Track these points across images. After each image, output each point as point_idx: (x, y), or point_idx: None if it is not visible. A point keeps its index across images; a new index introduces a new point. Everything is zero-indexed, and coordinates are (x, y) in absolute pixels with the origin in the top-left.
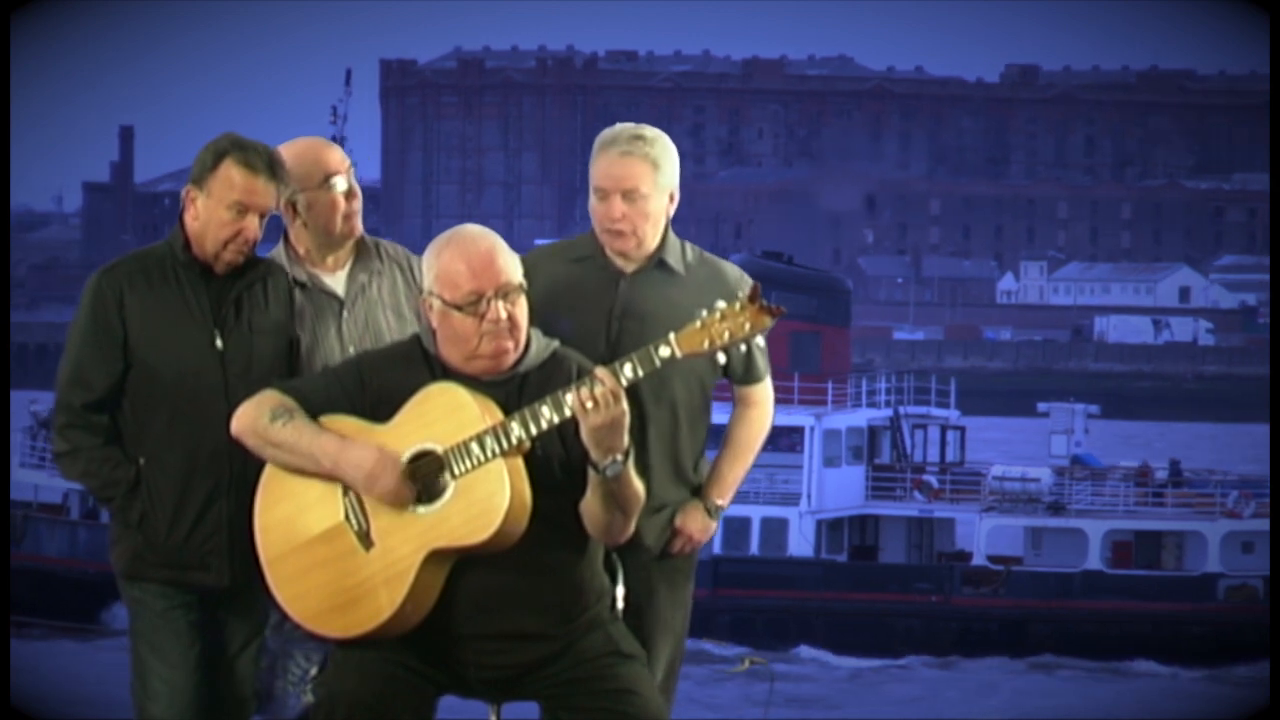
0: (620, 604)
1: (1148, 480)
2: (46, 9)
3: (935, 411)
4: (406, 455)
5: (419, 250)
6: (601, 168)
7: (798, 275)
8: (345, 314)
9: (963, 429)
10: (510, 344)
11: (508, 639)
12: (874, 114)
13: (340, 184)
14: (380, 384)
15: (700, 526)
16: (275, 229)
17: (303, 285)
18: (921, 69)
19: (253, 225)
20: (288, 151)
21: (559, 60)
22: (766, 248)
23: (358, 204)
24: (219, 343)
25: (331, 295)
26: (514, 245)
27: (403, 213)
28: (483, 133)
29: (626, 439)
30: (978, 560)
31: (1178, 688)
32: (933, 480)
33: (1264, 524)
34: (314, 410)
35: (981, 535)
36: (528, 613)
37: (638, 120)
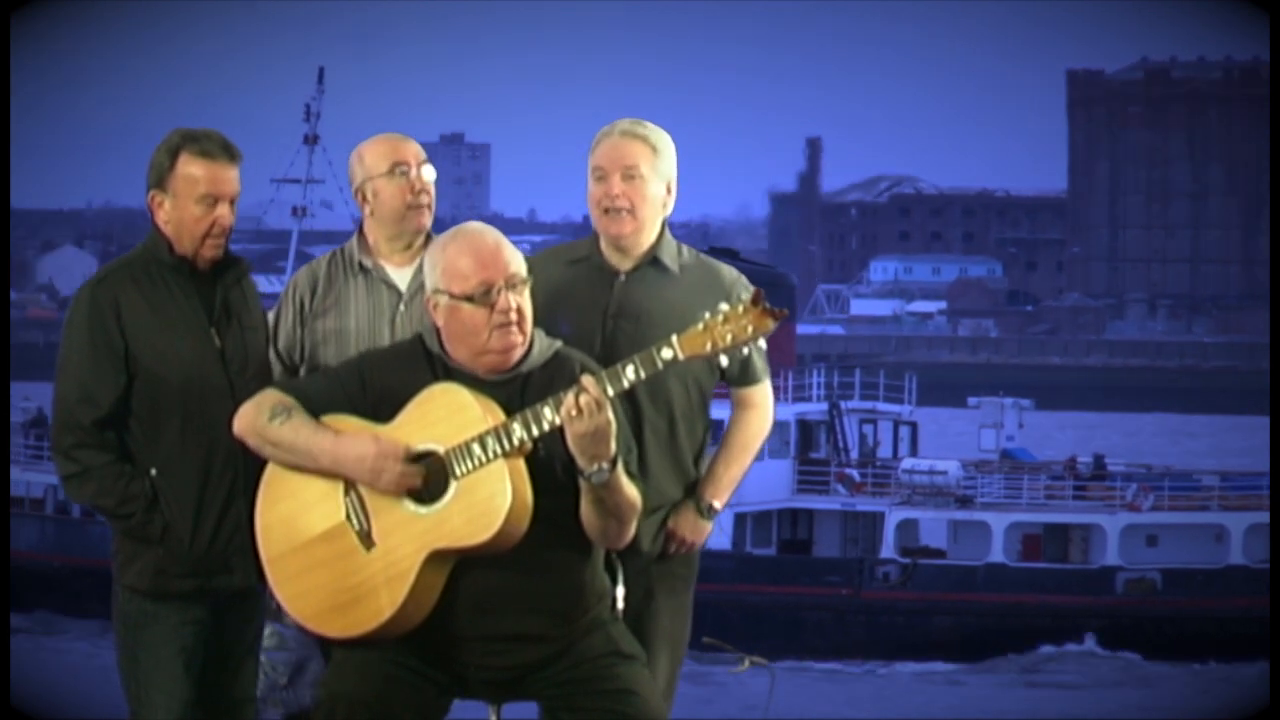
0: (620, 604)
1: (1071, 474)
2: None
3: (883, 406)
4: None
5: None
6: (600, 151)
7: (740, 269)
8: (402, 307)
9: (914, 424)
10: (519, 337)
11: (508, 640)
12: None
13: (408, 173)
14: (382, 384)
15: (692, 528)
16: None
17: (366, 271)
18: None
19: (225, 213)
20: (366, 143)
21: (1245, 70)
22: None
23: (427, 199)
24: (217, 342)
25: (391, 287)
26: (1204, 255)
27: (1089, 223)
28: (1169, 143)
29: (613, 447)
30: (886, 553)
31: (1125, 693)
32: (854, 474)
33: (1167, 517)
34: (315, 410)
35: (890, 528)
36: (528, 614)
37: None
